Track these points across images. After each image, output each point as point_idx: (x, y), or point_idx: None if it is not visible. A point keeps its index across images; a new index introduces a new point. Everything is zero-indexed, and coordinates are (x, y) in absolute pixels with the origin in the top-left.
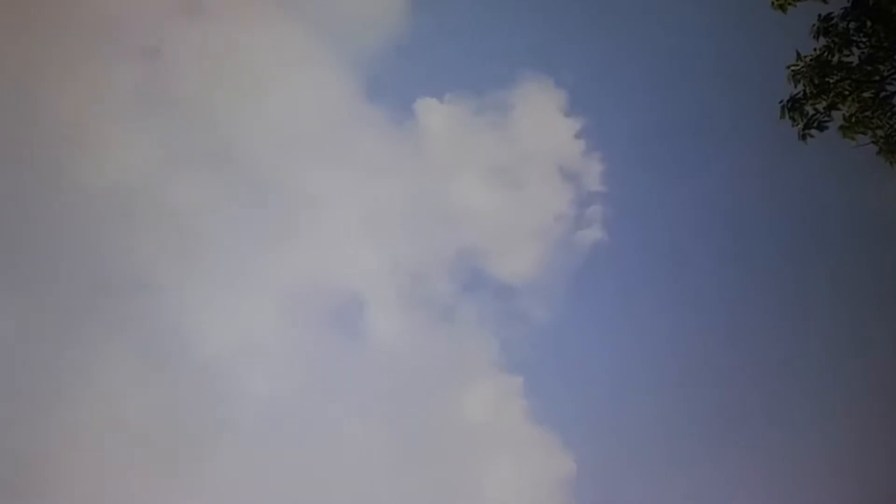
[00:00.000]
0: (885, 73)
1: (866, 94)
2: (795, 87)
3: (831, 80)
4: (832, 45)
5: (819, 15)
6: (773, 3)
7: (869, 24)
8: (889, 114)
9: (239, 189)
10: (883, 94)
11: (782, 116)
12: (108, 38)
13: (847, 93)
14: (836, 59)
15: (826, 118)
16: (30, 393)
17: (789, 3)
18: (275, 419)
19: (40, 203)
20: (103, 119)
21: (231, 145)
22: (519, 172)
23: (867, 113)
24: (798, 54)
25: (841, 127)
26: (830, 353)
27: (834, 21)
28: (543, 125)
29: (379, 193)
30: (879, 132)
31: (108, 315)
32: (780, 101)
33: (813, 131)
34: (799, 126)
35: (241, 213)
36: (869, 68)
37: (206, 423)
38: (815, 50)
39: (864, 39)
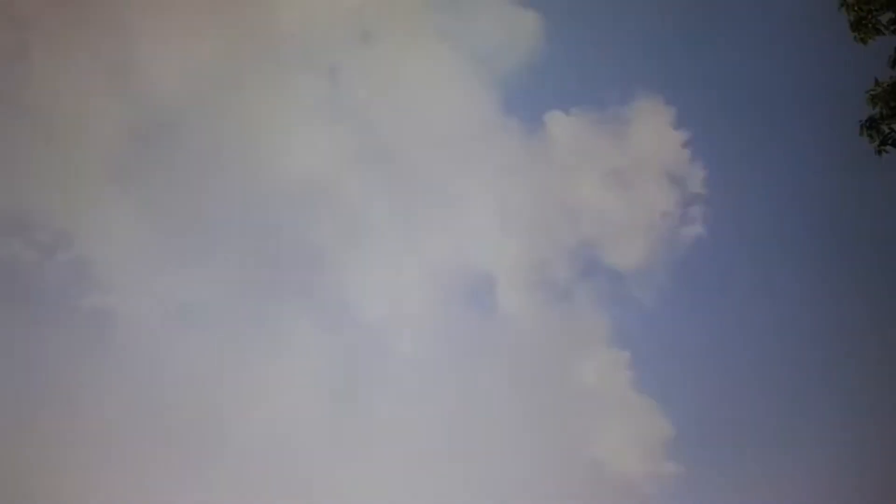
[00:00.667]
0: None
1: None
2: (873, 108)
3: None
4: None
5: (895, 47)
6: (854, 38)
7: None
8: None
9: (398, 185)
10: None
11: (861, 134)
12: (298, 57)
13: None
14: None
15: None
16: (232, 345)
17: (869, 37)
18: (419, 376)
19: (242, 192)
20: (293, 123)
21: (393, 149)
22: (632, 176)
23: None
24: (876, 80)
25: None
26: None
27: None
28: (655, 136)
29: (512, 191)
30: None
31: (291, 286)
32: (860, 121)
33: (888, 147)
34: (875, 143)
35: (398, 205)
36: None
37: (364, 376)
38: (891, 77)
39: None
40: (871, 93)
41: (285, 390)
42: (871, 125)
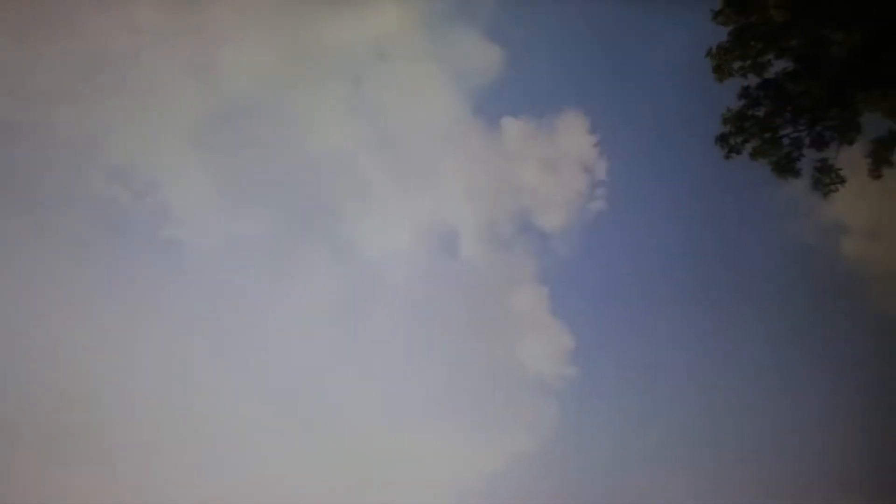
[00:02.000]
0: (777, 125)
1: (766, 135)
2: (725, 126)
3: (747, 125)
4: (749, 104)
5: (741, 86)
6: (715, 78)
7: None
8: (777, 147)
9: (395, 162)
10: (774, 136)
11: (715, 143)
12: (332, 66)
13: (755, 132)
14: (750, 112)
15: (742, 147)
16: (269, 272)
17: (725, 77)
18: (404, 300)
19: (284, 161)
20: (324, 114)
21: (393, 136)
22: (558, 165)
23: (766, 146)
24: (728, 108)
25: (750, 153)
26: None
27: (750, 90)
28: (575, 137)
29: (475, 171)
30: (773, 159)
31: (313, 231)
32: (715, 136)
33: (733, 154)
34: (725, 151)
35: (395, 177)
36: (768, 120)
37: (365, 300)
38: (737, 106)
39: (767, 102)
40: (724, 116)
41: (307, 307)
42: (722, 139)
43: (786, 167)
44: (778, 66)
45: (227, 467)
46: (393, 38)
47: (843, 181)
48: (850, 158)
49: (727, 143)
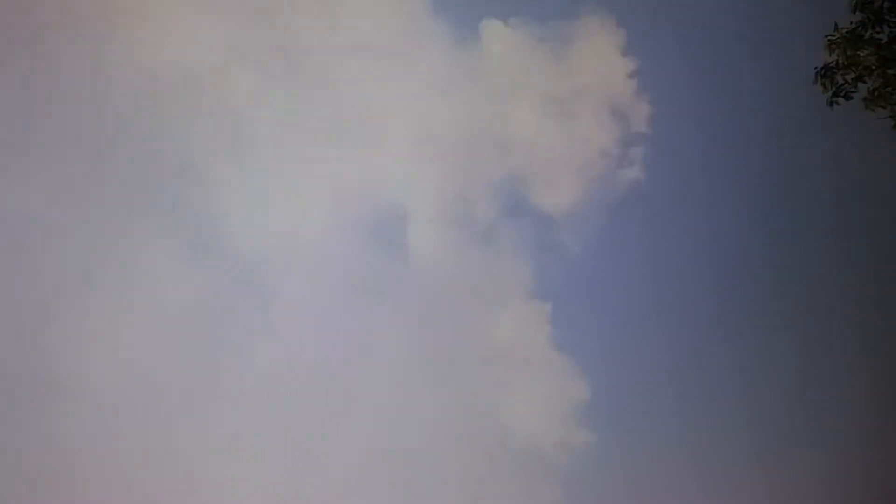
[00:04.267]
0: None
1: (890, 71)
2: (830, 55)
3: (861, 54)
4: (867, 21)
5: None
6: None
7: None
8: None
9: (298, 88)
10: None
11: (815, 81)
12: None
13: (874, 67)
14: (868, 34)
15: (853, 89)
16: (62, 274)
17: None
18: (306, 323)
19: (91, 86)
20: (166, 6)
21: (294, 44)
22: (572, 105)
23: (889, 88)
24: (836, 25)
25: (864, 99)
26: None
27: None
28: (601, 61)
29: (434, 110)
30: None
31: (156, 199)
32: (815, 68)
33: (840, 100)
34: (828, 94)
35: (297, 113)
36: None
37: (239, 320)
38: (851, 23)
39: (894, 19)
40: (830, 38)
41: (138, 330)
42: (825, 73)
43: None
44: None
45: None
46: None
47: None
48: None
49: (832, 80)
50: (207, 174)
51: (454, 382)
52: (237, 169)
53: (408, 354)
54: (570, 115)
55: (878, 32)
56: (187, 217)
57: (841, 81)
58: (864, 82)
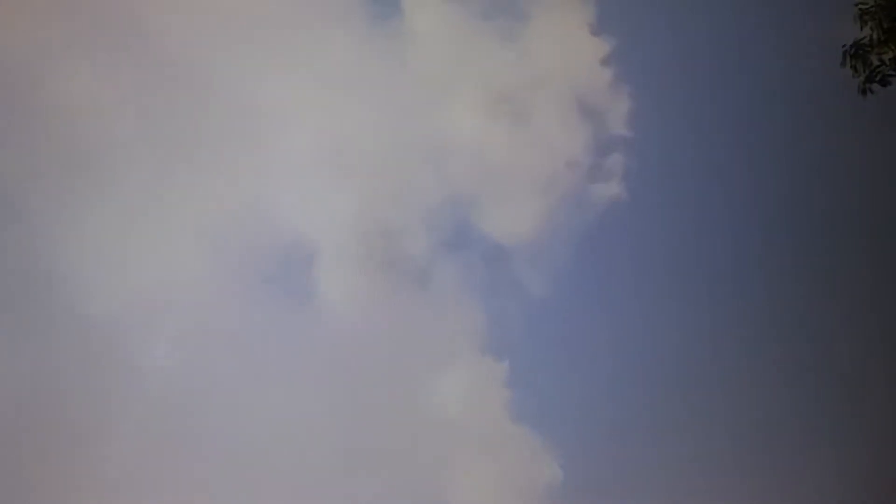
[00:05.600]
0: None
1: None
2: (862, 29)
3: None
4: None
5: None
6: None
7: None
8: None
9: (156, 86)
10: None
11: (843, 64)
12: None
13: None
14: None
15: (891, 72)
16: None
17: None
18: (181, 405)
19: None
20: None
21: (146, 26)
22: (528, 102)
23: None
24: None
25: None
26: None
27: None
28: (564, 43)
29: (346, 111)
30: None
31: None
32: (843, 46)
33: (875, 86)
34: (860, 78)
35: (154, 120)
36: None
37: (87, 406)
38: None
39: None
40: (861, 7)
41: None
42: (856, 52)
43: None
44: None
45: None
46: None
47: None
48: None
49: (865, 61)
50: (30, 207)
51: (386, 472)
52: (73, 196)
53: (319, 442)
54: (526, 114)
55: None
56: (6, 268)
57: (876, 62)
58: None
